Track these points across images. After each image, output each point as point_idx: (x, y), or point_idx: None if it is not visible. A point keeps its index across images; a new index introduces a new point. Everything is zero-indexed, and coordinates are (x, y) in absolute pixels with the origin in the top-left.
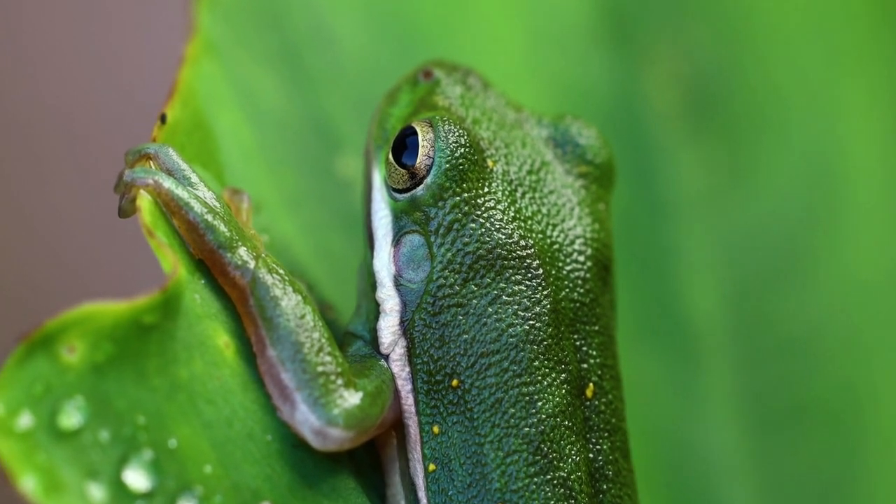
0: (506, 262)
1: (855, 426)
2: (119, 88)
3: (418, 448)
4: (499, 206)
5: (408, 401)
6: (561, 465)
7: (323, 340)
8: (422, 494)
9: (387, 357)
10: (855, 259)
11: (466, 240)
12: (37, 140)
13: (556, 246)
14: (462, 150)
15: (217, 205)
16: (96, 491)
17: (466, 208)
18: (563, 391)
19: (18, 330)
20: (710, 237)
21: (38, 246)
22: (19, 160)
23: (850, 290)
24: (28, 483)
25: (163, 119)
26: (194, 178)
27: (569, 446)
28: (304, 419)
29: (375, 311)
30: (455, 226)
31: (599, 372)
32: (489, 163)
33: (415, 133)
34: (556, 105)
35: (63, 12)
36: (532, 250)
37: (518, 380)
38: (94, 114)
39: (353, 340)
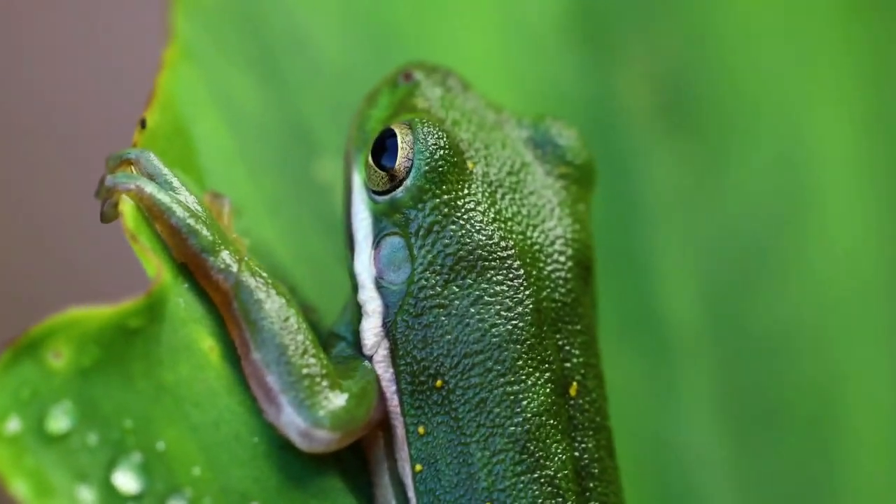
0: (487, 263)
1: (828, 425)
2: (101, 92)
3: (405, 448)
4: (479, 208)
5: (393, 402)
6: (547, 463)
7: (307, 343)
8: (411, 494)
9: (370, 358)
10: (825, 260)
11: (447, 241)
12: (18, 143)
13: (536, 246)
14: (441, 151)
15: (199, 209)
16: (86, 493)
17: (446, 210)
18: (548, 390)
19: (3, 335)
20: (685, 237)
21: (20, 250)
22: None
23: (820, 291)
24: (18, 487)
25: (143, 124)
26: (176, 183)
27: (555, 445)
28: (290, 421)
29: (358, 312)
30: (435, 227)
31: (583, 371)
32: (469, 164)
33: (394, 135)
34: (531, 106)
35: (47, 18)
36: (513, 251)
37: (502, 379)
38: (75, 118)
39: (337, 342)
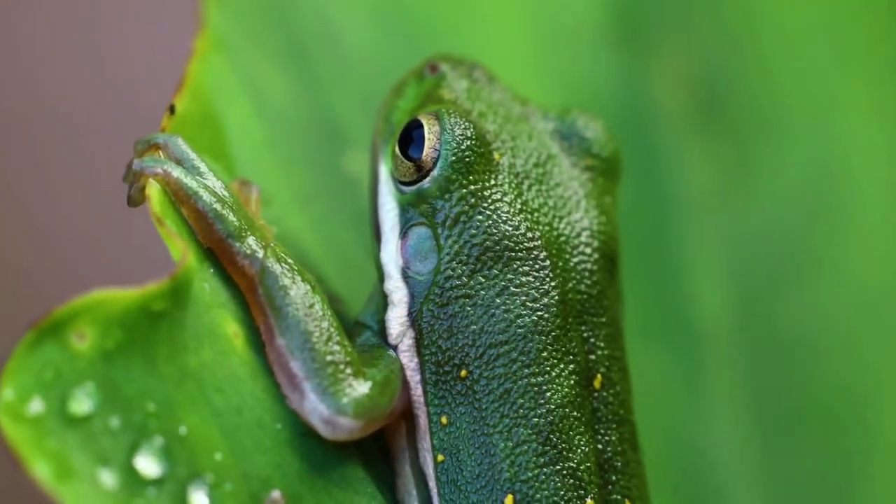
0: (513, 254)
1: (859, 428)
2: (122, 83)
3: (427, 438)
4: (505, 199)
5: (416, 391)
6: (570, 455)
7: (332, 330)
8: (432, 484)
9: (395, 348)
10: (859, 261)
11: (473, 231)
12: (42, 133)
13: (562, 238)
14: (468, 142)
15: (226, 194)
16: (108, 477)
17: (473, 200)
18: (572, 382)
19: (28, 317)
20: (717, 236)
21: (46, 236)
22: (22, 154)
23: (854, 292)
24: (40, 469)
25: (172, 110)
26: (203, 168)
27: (577, 437)
28: (314, 408)
29: (384, 302)
30: (462, 218)
31: (607, 363)
32: (495, 155)
33: (421, 126)
34: (563, 103)
35: (67, 6)
36: (539, 242)
37: (526, 370)
38: (96, 108)
39: (362, 331)
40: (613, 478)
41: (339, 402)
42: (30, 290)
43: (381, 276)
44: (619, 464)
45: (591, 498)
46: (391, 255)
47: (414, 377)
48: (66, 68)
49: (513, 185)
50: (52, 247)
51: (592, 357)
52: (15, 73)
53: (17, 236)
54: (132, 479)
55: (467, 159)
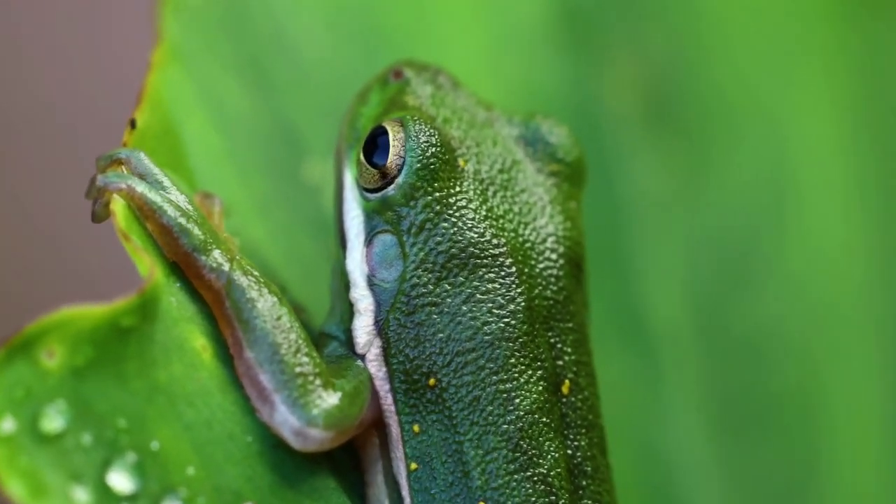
0: (479, 261)
1: (811, 427)
2: (92, 92)
3: (400, 447)
4: (470, 205)
5: (387, 400)
6: (540, 461)
7: (300, 341)
8: (405, 493)
9: (363, 357)
10: (809, 259)
11: (439, 239)
12: (10, 143)
13: (528, 244)
14: (433, 149)
15: (190, 208)
16: (81, 494)
17: (438, 207)
18: (540, 388)
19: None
20: (669, 238)
21: (14, 249)
22: None
23: (804, 291)
24: (14, 487)
25: (132, 124)
26: (166, 182)
27: (547, 443)
28: (284, 420)
29: (349, 311)
30: (427, 225)
31: (575, 369)
32: (460, 162)
33: (385, 132)
34: (517, 107)
35: (37, 18)
36: (504, 248)
37: (495, 377)
38: (65, 118)
39: (329, 341)
40: (584, 483)
41: (309, 414)
42: (1, 303)
43: (346, 284)
44: (589, 469)
45: (563, 503)
46: (356, 262)
47: (384, 386)
48: (31, 79)
49: (478, 192)
50: (23, 258)
51: (560, 363)
52: None
53: None
54: (105, 495)
55: (432, 166)
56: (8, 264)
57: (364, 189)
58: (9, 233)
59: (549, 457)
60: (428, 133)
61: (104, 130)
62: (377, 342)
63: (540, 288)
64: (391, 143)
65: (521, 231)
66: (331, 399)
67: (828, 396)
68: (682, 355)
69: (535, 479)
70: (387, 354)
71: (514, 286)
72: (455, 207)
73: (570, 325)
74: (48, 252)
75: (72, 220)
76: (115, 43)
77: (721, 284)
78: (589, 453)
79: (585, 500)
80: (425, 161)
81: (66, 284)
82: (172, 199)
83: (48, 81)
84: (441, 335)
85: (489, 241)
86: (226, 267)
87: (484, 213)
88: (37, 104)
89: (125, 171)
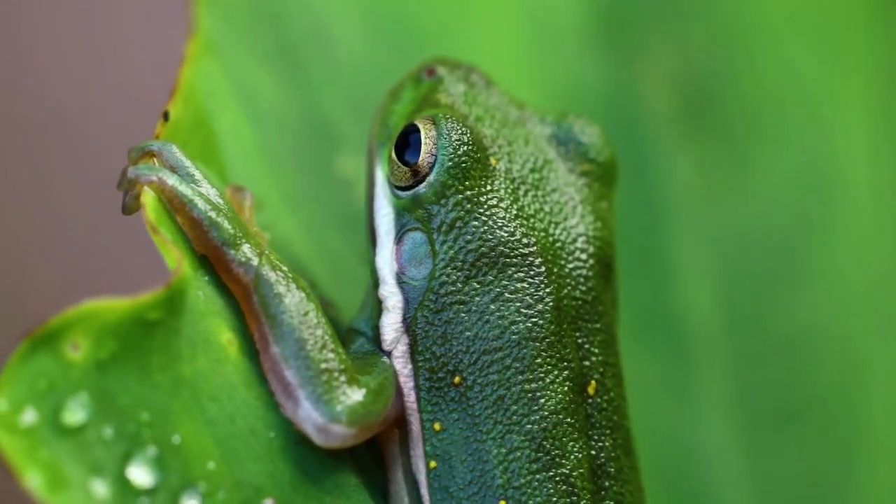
0: (508, 260)
1: (848, 427)
2: (118, 86)
3: (420, 445)
4: (501, 204)
5: (410, 398)
6: (563, 462)
7: (326, 337)
8: (424, 491)
9: (389, 354)
10: (847, 261)
11: (469, 237)
12: (38, 138)
13: (558, 244)
14: (465, 147)
15: (220, 202)
16: (100, 487)
17: (469, 206)
18: (566, 388)
19: (22, 327)
20: (705, 237)
21: (39, 244)
22: (19, 159)
23: (841, 292)
24: (32, 479)
25: (165, 116)
26: (198, 175)
27: (571, 443)
28: (308, 416)
29: (378, 307)
30: (457, 223)
31: (601, 369)
32: (492, 160)
33: (417, 130)
34: (553, 105)
35: (63, 11)
36: (534, 248)
37: (520, 377)
38: (94, 112)
39: (356, 337)
40: (607, 483)
41: (333, 410)
42: (31, 295)
43: (375, 282)
44: (612, 470)
45: None
46: (386, 259)
47: (407, 383)
48: (60, 71)
49: (509, 191)
50: (53, 250)
51: (586, 363)
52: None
53: (17, 240)
54: (125, 489)
55: (464, 164)
56: (35, 257)
57: (395, 187)
58: (37, 225)
59: (572, 457)
60: (460, 131)
61: (135, 124)
62: (404, 339)
63: (569, 288)
64: (423, 141)
65: (551, 231)
66: (355, 395)
67: (866, 397)
68: (714, 355)
69: (558, 479)
70: (413, 351)
71: (542, 286)
72: (486, 206)
73: (598, 325)
74: (75, 245)
75: (101, 213)
76: (146, 36)
77: (756, 284)
78: (613, 454)
79: (608, 501)
80: (457, 159)
81: (94, 277)
82: (203, 193)
83: (75, 76)
84: (468, 333)
85: (519, 241)
86: (255, 261)
87: (514, 212)
88: (64, 98)
89: (157, 164)
